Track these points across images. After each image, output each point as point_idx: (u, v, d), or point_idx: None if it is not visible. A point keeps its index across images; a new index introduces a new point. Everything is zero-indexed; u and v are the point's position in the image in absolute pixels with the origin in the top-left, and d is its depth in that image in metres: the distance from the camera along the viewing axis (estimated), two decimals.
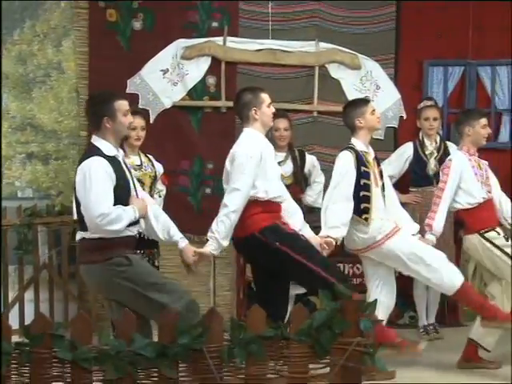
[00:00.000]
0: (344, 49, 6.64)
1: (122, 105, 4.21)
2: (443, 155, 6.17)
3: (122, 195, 4.09)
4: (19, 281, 6.41)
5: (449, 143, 6.35)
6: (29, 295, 6.39)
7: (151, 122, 5.86)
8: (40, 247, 6.51)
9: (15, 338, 2.83)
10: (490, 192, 5.40)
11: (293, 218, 4.94)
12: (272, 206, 4.78)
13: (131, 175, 4.32)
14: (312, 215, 5.72)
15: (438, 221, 5.32)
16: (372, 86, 6.68)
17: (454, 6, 6.64)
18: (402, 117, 6.75)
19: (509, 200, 5.53)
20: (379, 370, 2.96)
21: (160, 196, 5.79)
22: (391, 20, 6.76)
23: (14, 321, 5.55)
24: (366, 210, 5.07)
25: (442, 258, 5.12)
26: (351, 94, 6.60)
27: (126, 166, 4.31)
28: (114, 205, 3.99)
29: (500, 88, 6.85)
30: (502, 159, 6.52)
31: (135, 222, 4.16)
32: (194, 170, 6.57)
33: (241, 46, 6.54)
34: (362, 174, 5.09)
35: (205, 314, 2.93)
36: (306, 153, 6.21)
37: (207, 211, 5.91)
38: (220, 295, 6.67)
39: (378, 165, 5.28)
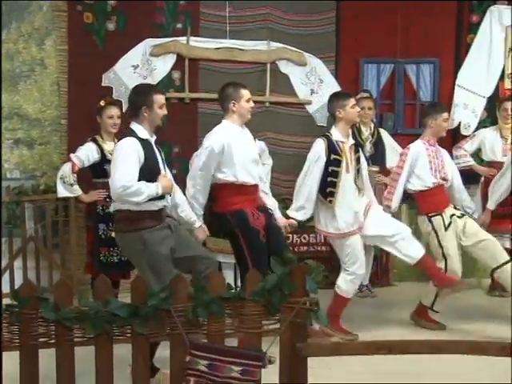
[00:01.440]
0: (292, 48, 6.65)
1: (159, 98, 4.18)
2: (377, 140, 6.22)
3: (151, 173, 4.08)
4: (9, 251, 6.34)
5: (381, 130, 6.39)
6: (18, 264, 6.32)
7: (124, 111, 5.78)
8: (27, 222, 6.44)
9: (6, 301, 2.80)
10: (445, 179, 5.35)
11: (267, 198, 4.97)
12: (246, 189, 4.74)
13: (162, 157, 4.29)
14: None
15: (395, 201, 5.36)
16: (316, 80, 6.71)
17: (385, 13, 6.69)
18: None
19: (465, 189, 5.54)
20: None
21: None
22: (332, 23, 6.77)
23: (5, 286, 5.50)
24: (332, 194, 5.00)
25: (406, 233, 5.10)
26: (298, 87, 6.63)
27: (159, 150, 4.28)
28: (143, 181, 3.99)
29: (423, 83, 6.92)
30: None
31: (161, 197, 4.12)
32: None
33: (202, 45, 6.50)
34: (331, 162, 4.99)
35: (172, 278, 2.91)
36: (256, 139, 6.18)
37: None
38: None
39: (356, 152, 5.11)
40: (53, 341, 2.81)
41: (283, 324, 2.80)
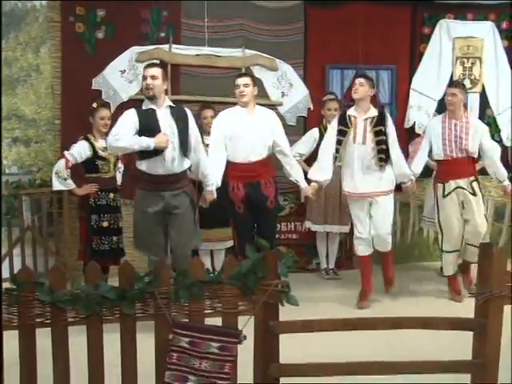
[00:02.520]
0: (264, 54, 6.62)
1: (146, 71, 4.56)
2: None
3: (150, 133, 4.39)
4: (8, 240, 6.25)
5: None
6: (16, 251, 6.24)
7: (112, 112, 5.72)
8: (24, 213, 6.35)
9: (6, 285, 2.77)
10: (463, 151, 5.38)
11: (291, 170, 5.25)
12: (236, 166, 5.05)
13: (170, 122, 4.50)
14: None
15: (415, 164, 5.52)
16: (286, 83, 6.69)
17: (348, 24, 6.68)
18: (309, 108, 6.77)
19: (496, 162, 5.53)
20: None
21: (120, 172, 5.72)
22: (300, 33, 6.75)
23: (4, 271, 5.44)
24: (336, 159, 5.26)
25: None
26: (270, 90, 6.63)
27: (175, 116, 4.53)
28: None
29: (382, 87, 6.93)
30: None
31: (164, 166, 4.45)
32: None
33: (183, 52, 6.44)
34: (339, 132, 5.22)
35: (156, 264, 2.90)
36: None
37: None
38: None
39: (375, 126, 5.15)
40: (48, 321, 2.78)
41: (257, 304, 2.79)
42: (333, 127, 5.31)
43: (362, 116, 5.20)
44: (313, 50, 6.76)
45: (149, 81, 4.50)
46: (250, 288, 2.79)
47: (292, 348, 3.03)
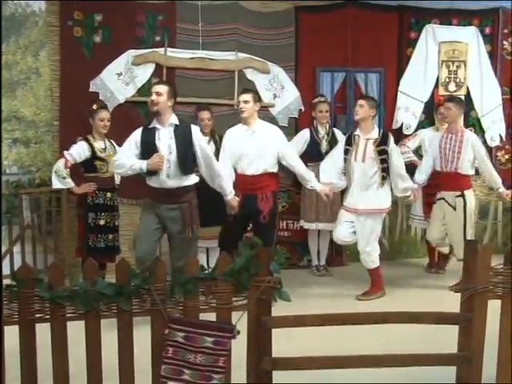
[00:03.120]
0: (257, 58, 6.59)
1: (153, 88, 4.68)
2: (332, 138, 6.22)
3: (148, 153, 4.47)
4: (9, 238, 6.22)
5: (335, 129, 6.40)
6: (16, 249, 6.21)
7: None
8: (24, 212, 6.32)
9: (6, 281, 2.75)
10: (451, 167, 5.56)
11: (304, 173, 5.28)
12: (243, 178, 5.09)
13: (169, 142, 4.52)
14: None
15: (419, 175, 5.75)
16: (278, 86, 6.67)
17: (338, 29, 6.68)
18: (301, 110, 6.75)
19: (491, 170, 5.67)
20: None
21: None
22: (292, 37, 6.72)
23: (5, 268, 5.41)
24: (344, 174, 5.45)
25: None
26: (262, 92, 6.58)
27: (179, 135, 4.53)
28: (142, 159, 4.48)
29: (371, 89, 6.92)
30: None
31: (158, 182, 4.51)
32: None
33: (178, 55, 6.40)
34: (345, 151, 5.41)
35: (152, 261, 2.89)
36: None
37: None
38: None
39: (378, 145, 5.29)
40: (48, 316, 2.77)
41: (250, 300, 2.79)
42: (339, 145, 5.56)
43: (364, 136, 5.34)
44: (304, 54, 6.75)
45: (153, 97, 4.55)
46: (244, 284, 2.78)
47: (287, 343, 3.03)
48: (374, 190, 5.31)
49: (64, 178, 5.39)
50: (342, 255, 6.84)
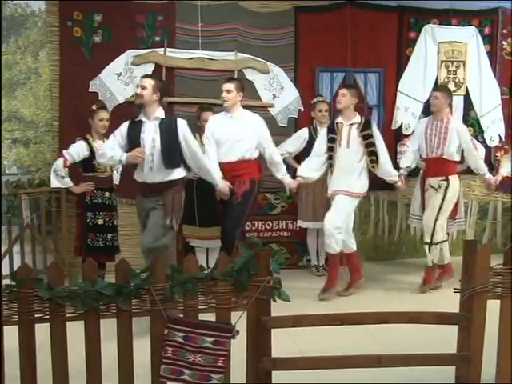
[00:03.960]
0: (256, 58, 6.59)
1: (140, 81, 4.71)
2: None
3: (133, 146, 4.53)
4: (8, 238, 6.20)
5: None
6: (16, 249, 6.19)
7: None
8: (24, 212, 6.30)
9: (6, 281, 2.75)
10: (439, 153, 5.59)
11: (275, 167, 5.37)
12: (222, 165, 5.09)
13: (153, 135, 4.53)
14: None
15: (404, 160, 5.86)
16: (278, 86, 6.67)
17: (337, 29, 6.69)
18: (300, 109, 6.76)
19: (475, 157, 5.69)
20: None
21: (117, 172, 5.71)
22: (291, 37, 6.72)
23: (5, 268, 5.43)
24: (330, 165, 5.45)
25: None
26: (262, 92, 6.61)
27: (164, 128, 4.54)
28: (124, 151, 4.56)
29: (370, 89, 6.93)
30: None
31: (141, 176, 4.58)
32: None
33: (177, 55, 6.40)
34: (328, 139, 5.44)
35: (151, 261, 2.88)
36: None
37: None
38: None
39: (362, 130, 5.36)
40: (47, 316, 2.76)
41: (250, 300, 2.79)
42: (323, 134, 5.54)
43: (347, 122, 5.39)
44: (303, 54, 6.75)
45: (138, 90, 4.61)
46: (243, 284, 2.78)
47: (287, 343, 3.02)
48: (357, 175, 5.36)
49: (63, 177, 5.41)
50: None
